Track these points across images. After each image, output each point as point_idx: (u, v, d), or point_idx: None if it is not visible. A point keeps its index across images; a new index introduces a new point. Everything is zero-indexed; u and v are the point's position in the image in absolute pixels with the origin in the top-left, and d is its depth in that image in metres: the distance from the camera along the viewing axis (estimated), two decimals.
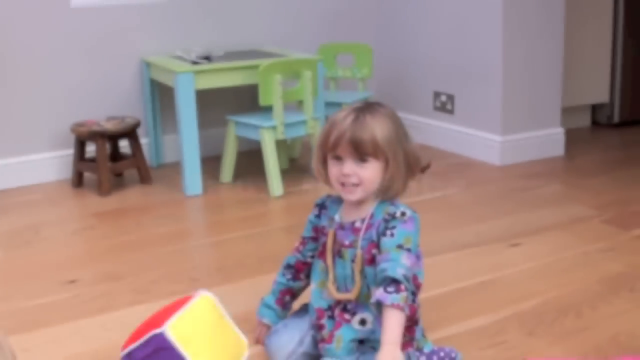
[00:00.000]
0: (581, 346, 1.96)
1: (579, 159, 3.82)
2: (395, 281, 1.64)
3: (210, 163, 3.68)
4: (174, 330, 1.65)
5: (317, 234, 1.86)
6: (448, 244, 2.68)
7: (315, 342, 1.83)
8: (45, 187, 3.57)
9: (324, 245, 1.81)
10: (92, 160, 3.48)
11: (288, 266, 1.93)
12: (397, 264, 1.66)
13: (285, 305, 1.93)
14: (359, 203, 1.76)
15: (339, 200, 1.83)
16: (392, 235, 1.70)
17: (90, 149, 3.53)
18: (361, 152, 1.69)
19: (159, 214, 3.16)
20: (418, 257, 1.76)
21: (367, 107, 1.74)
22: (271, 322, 1.91)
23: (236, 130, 3.46)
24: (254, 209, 3.18)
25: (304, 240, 1.90)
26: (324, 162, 1.78)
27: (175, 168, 3.52)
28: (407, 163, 1.74)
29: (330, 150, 1.73)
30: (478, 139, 3.77)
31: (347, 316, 1.77)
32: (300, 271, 1.91)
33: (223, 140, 3.57)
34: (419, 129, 4.00)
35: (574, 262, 2.51)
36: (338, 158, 1.72)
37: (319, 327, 1.81)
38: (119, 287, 2.44)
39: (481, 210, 3.04)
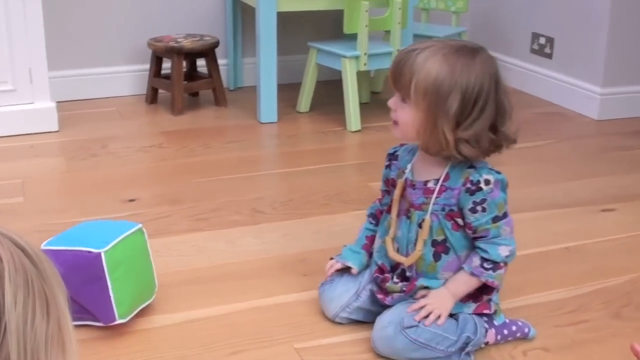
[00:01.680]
0: None
1: None
2: (494, 262, 1.54)
3: (288, 91, 3.52)
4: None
5: (389, 186, 1.69)
6: (532, 201, 2.46)
7: (373, 297, 1.68)
8: (119, 101, 3.47)
9: (392, 200, 1.65)
10: (168, 77, 3.36)
11: (371, 215, 1.78)
12: (500, 244, 1.54)
13: (371, 253, 1.76)
14: (433, 159, 1.57)
15: (412, 151, 1.66)
16: (483, 210, 1.53)
17: (167, 66, 3.40)
18: (399, 88, 1.53)
19: (230, 138, 3.03)
20: None
21: (445, 46, 1.51)
22: (356, 266, 1.73)
23: (317, 58, 3.28)
24: (328, 143, 3.02)
25: (382, 193, 1.75)
26: None
27: (253, 93, 3.37)
28: (489, 137, 1.52)
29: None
30: (576, 89, 3.49)
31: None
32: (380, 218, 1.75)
33: (303, 67, 3.39)
34: (512, 72, 3.75)
35: None
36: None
37: (382, 280, 1.65)
38: (178, 211, 2.32)
39: (573, 168, 2.79)
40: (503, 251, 1.55)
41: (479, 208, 1.53)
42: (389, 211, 1.67)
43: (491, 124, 1.51)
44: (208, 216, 2.29)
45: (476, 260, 1.56)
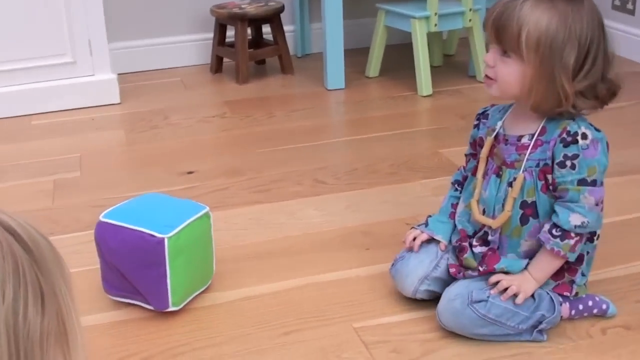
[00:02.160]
0: None
1: None
2: (562, 229, 1.41)
3: (357, 56, 3.40)
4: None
5: (475, 148, 1.58)
6: (614, 166, 2.28)
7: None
8: (182, 71, 3.41)
9: (478, 161, 1.54)
10: (232, 45, 3.28)
11: (456, 182, 1.64)
12: (573, 210, 1.40)
13: None
14: (528, 114, 1.44)
15: (503, 110, 1.53)
16: (572, 167, 1.39)
17: (231, 34, 3.32)
18: (502, 41, 1.39)
19: (295, 107, 2.94)
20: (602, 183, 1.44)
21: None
22: (444, 239, 1.58)
23: (385, 20, 3.15)
24: (397, 109, 2.90)
25: (466, 158, 1.62)
26: None
27: (320, 60, 3.27)
28: (603, 86, 1.40)
29: (485, 29, 1.46)
30: None
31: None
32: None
33: (371, 31, 3.26)
34: None
35: None
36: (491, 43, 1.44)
37: (460, 249, 1.54)
38: (238, 183, 2.25)
39: None
40: (574, 219, 1.40)
41: (568, 163, 1.39)
42: (474, 174, 1.55)
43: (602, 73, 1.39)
44: (268, 188, 2.21)
45: (546, 225, 1.43)
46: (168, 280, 1.54)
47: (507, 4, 1.38)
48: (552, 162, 1.41)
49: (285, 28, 3.36)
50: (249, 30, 3.24)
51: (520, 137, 1.45)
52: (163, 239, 1.52)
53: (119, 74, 3.02)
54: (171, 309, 1.57)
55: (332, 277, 1.74)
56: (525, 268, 1.47)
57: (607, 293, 1.59)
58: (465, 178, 1.61)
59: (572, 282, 1.50)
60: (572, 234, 1.41)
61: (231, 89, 3.16)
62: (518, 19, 1.35)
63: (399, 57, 3.40)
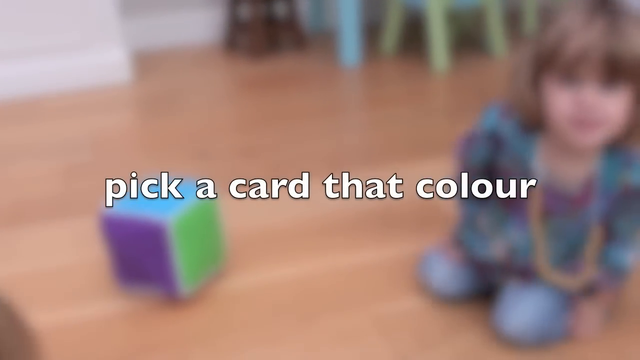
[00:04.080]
0: None
1: None
2: (618, 268, 1.36)
3: (374, 32, 3.36)
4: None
5: (489, 166, 1.40)
6: None
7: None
8: (195, 48, 3.38)
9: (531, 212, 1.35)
10: (246, 22, 3.24)
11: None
12: (627, 245, 1.34)
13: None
14: (578, 153, 1.27)
15: (526, 131, 1.30)
16: (635, 219, 1.31)
17: (245, 10, 3.28)
18: (616, 73, 1.14)
19: (310, 84, 2.90)
20: None
21: (615, 8, 1.17)
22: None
23: None
24: (413, 85, 2.85)
25: (473, 168, 1.43)
26: (536, 84, 1.24)
27: (335, 35, 3.22)
28: None
29: (562, 66, 1.17)
30: None
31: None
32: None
33: (387, 6, 3.21)
34: None
35: None
36: (572, 80, 1.17)
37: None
38: (253, 163, 2.22)
39: None
40: (629, 256, 1.34)
41: (631, 216, 1.30)
42: (505, 206, 1.38)
43: None
44: (284, 167, 2.18)
45: (601, 273, 1.36)
46: (176, 264, 1.52)
47: (602, 33, 1.14)
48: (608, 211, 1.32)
49: (299, 3, 3.32)
50: (262, 6, 3.20)
51: (568, 188, 1.30)
52: (168, 222, 1.49)
53: (131, 52, 2.99)
54: (183, 293, 1.55)
55: (350, 261, 1.71)
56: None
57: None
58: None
59: None
60: (626, 271, 1.37)
61: (245, 66, 3.12)
62: (633, 42, 1.14)
63: (416, 33, 3.35)
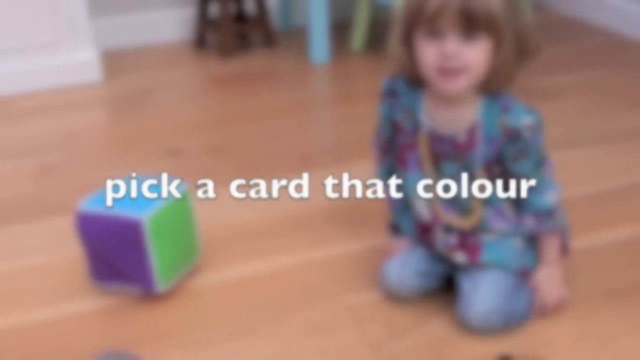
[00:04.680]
0: None
1: None
2: (547, 211, 1.45)
3: (342, 29, 3.40)
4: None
5: (395, 126, 1.50)
6: (594, 135, 2.32)
7: (428, 255, 1.57)
8: (165, 46, 3.40)
9: (403, 148, 1.48)
10: (216, 20, 3.27)
11: (393, 173, 1.57)
12: (544, 190, 1.44)
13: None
14: (454, 101, 1.38)
15: (413, 86, 1.43)
16: (525, 156, 1.39)
17: (215, 9, 3.31)
18: (472, 24, 1.28)
19: (280, 82, 2.94)
20: None
21: None
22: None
23: None
24: (382, 82, 2.89)
25: (384, 139, 1.53)
26: (408, 42, 1.36)
27: (304, 32, 3.26)
28: (518, 46, 1.34)
29: (425, 22, 1.29)
30: (637, 16, 3.30)
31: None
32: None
33: (356, 4, 3.26)
34: None
35: None
36: (436, 34, 1.30)
37: (429, 244, 1.54)
38: (224, 160, 2.25)
39: (634, 99, 2.62)
40: (551, 197, 1.44)
41: (520, 156, 1.39)
42: (401, 164, 1.50)
43: None
44: (255, 165, 2.22)
45: (529, 220, 1.46)
46: (152, 261, 1.55)
47: None
48: (497, 157, 1.40)
49: (268, 1, 3.35)
50: (232, 5, 3.23)
51: (454, 135, 1.40)
52: (141, 219, 1.52)
53: (101, 51, 3.00)
54: (158, 289, 1.58)
55: (322, 255, 1.75)
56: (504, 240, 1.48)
57: (590, 260, 1.62)
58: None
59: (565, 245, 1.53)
60: (553, 210, 1.45)
61: (215, 64, 3.15)
62: None
63: (385, 30, 3.39)
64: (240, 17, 3.35)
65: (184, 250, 1.65)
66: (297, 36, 3.44)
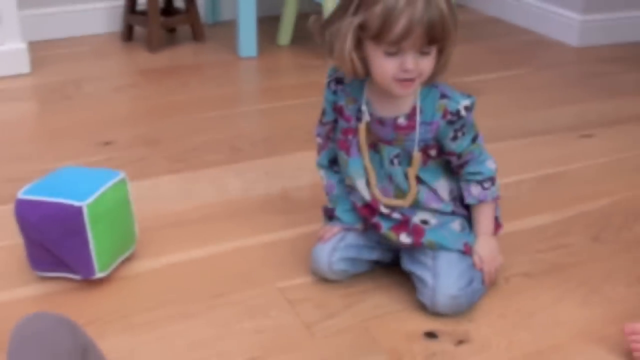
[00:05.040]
0: None
1: None
2: (490, 177, 1.57)
3: (269, 24, 3.47)
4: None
5: (337, 113, 1.59)
6: (512, 129, 2.46)
7: (359, 240, 1.66)
8: (93, 39, 3.40)
9: (345, 132, 1.57)
10: (144, 13, 3.30)
11: (333, 160, 1.67)
12: (485, 159, 1.57)
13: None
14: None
15: (356, 79, 1.52)
16: (463, 134, 1.51)
17: (142, 2, 3.33)
18: (431, 41, 1.39)
19: (208, 75, 2.99)
20: None
21: None
22: (359, 225, 1.65)
23: None
24: (309, 76, 2.98)
25: (328, 125, 1.62)
26: (360, 50, 1.43)
27: (232, 27, 3.31)
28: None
29: (389, 44, 1.38)
30: (556, 16, 3.45)
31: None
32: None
33: None
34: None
35: None
36: (396, 52, 1.39)
37: (374, 226, 1.62)
38: (156, 152, 2.30)
39: (552, 95, 2.79)
40: (491, 164, 1.57)
41: (459, 134, 1.51)
42: (341, 147, 1.59)
43: None
44: (187, 156, 2.27)
45: (475, 189, 1.57)
46: (91, 246, 1.59)
47: (424, 8, 1.35)
48: (436, 140, 1.51)
49: None
50: None
51: (395, 118, 1.50)
52: (82, 206, 1.57)
53: (29, 43, 3.00)
54: (98, 275, 1.62)
55: (255, 242, 1.83)
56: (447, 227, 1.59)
57: (509, 245, 1.73)
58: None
59: (497, 217, 1.66)
60: (495, 176, 1.58)
61: (143, 57, 3.18)
62: (439, 8, 1.37)
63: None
64: (169, 11, 3.38)
65: (122, 237, 1.70)
66: (225, 30, 3.49)
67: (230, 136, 2.42)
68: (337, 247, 1.64)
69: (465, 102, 1.49)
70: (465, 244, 1.58)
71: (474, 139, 1.54)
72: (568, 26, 3.38)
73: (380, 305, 1.60)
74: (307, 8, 3.47)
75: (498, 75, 2.97)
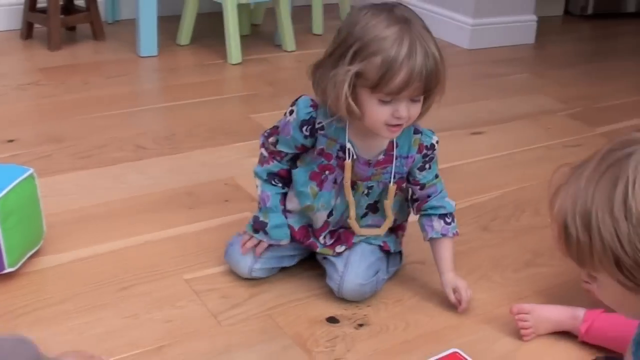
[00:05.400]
0: (535, 244, 1.90)
1: (550, 48, 3.71)
2: (452, 213, 1.66)
3: (169, 23, 3.49)
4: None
5: (301, 150, 1.62)
6: (434, 124, 2.56)
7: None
8: None
9: (323, 168, 1.60)
10: (44, 11, 3.27)
11: (272, 174, 1.65)
12: (445, 195, 1.66)
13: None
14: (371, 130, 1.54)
15: (328, 115, 1.54)
16: (430, 167, 1.62)
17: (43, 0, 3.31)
18: (428, 89, 1.47)
19: (110, 73, 3.01)
20: None
21: (411, 24, 1.47)
22: (287, 241, 1.67)
23: None
24: (209, 75, 3.04)
25: (281, 154, 1.63)
26: (353, 94, 1.46)
27: (132, 26, 3.33)
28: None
29: (387, 93, 1.44)
30: (448, 20, 3.61)
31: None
32: (285, 177, 1.65)
33: None
34: None
35: (537, 155, 2.43)
36: (390, 100, 1.45)
37: (309, 245, 1.69)
38: (60, 150, 2.31)
39: (445, 95, 2.81)
40: (451, 201, 1.67)
41: (427, 166, 1.62)
42: (314, 179, 1.61)
43: None
44: (91, 154, 2.29)
45: (437, 223, 1.65)
46: (1, 242, 1.61)
47: (423, 60, 1.43)
48: (408, 173, 1.62)
49: None
50: None
51: (377, 156, 1.58)
52: None
53: None
54: (7, 270, 1.64)
55: (161, 236, 1.87)
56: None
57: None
58: (287, 170, 1.64)
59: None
60: (454, 212, 1.68)
61: (43, 55, 3.16)
62: (433, 58, 1.44)
63: (211, 25, 3.52)
64: (69, 9, 3.37)
65: (31, 232, 1.72)
66: (125, 29, 3.50)
67: (134, 134, 2.45)
68: (260, 259, 1.69)
69: (435, 137, 1.62)
70: (385, 242, 1.69)
71: (437, 175, 1.65)
72: (460, 30, 3.54)
73: (284, 294, 1.67)
74: (207, 8, 3.52)
75: None
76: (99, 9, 3.40)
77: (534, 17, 3.72)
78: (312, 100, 1.57)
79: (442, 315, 1.64)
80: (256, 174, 1.68)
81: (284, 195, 1.67)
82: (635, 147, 0.92)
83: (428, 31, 1.48)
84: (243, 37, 3.33)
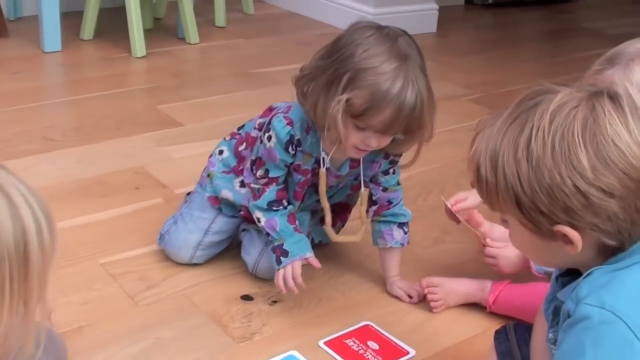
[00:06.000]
0: (443, 223, 1.93)
1: (452, 37, 3.84)
2: (408, 222, 1.72)
3: (72, 18, 3.48)
4: None
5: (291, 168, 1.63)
6: None
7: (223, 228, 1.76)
8: None
9: (302, 184, 1.64)
10: None
11: (272, 202, 1.61)
12: (403, 204, 1.71)
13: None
14: None
15: (306, 129, 1.57)
16: (394, 172, 1.68)
17: None
18: (408, 130, 1.51)
19: (14, 69, 2.99)
20: None
21: (410, 63, 1.46)
22: (311, 253, 1.63)
23: None
24: (114, 69, 3.06)
25: (277, 179, 1.61)
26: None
27: (34, 22, 3.30)
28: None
29: (372, 127, 1.46)
30: (350, 10, 3.71)
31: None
32: (285, 197, 1.63)
33: None
34: None
35: (442, 139, 2.50)
36: (365, 128, 1.47)
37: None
38: None
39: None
40: (407, 209, 1.73)
41: (391, 171, 1.66)
42: (297, 198, 1.66)
43: None
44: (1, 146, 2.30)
45: (397, 232, 1.69)
46: None
47: (413, 100, 1.44)
48: (375, 175, 1.66)
49: None
50: None
51: (345, 165, 1.62)
52: None
53: None
54: None
55: (75, 223, 1.91)
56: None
57: None
58: (284, 192, 1.63)
59: None
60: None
61: None
62: (424, 102, 1.47)
63: (113, 20, 3.52)
64: None
65: None
66: (28, 25, 3.47)
67: (41, 127, 2.46)
68: (202, 243, 1.74)
69: None
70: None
71: (399, 182, 1.70)
72: (362, 19, 3.62)
73: (199, 274, 1.74)
74: (109, 3, 3.53)
75: (298, 66, 3.14)
76: (1, 6, 3.37)
77: (435, 6, 3.85)
78: (284, 117, 1.57)
79: (353, 291, 1.73)
80: (256, 208, 1.63)
81: (292, 214, 1.64)
82: (543, 96, 1.02)
83: (423, 72, 1.48)
84: (146, 31, 3.34)
